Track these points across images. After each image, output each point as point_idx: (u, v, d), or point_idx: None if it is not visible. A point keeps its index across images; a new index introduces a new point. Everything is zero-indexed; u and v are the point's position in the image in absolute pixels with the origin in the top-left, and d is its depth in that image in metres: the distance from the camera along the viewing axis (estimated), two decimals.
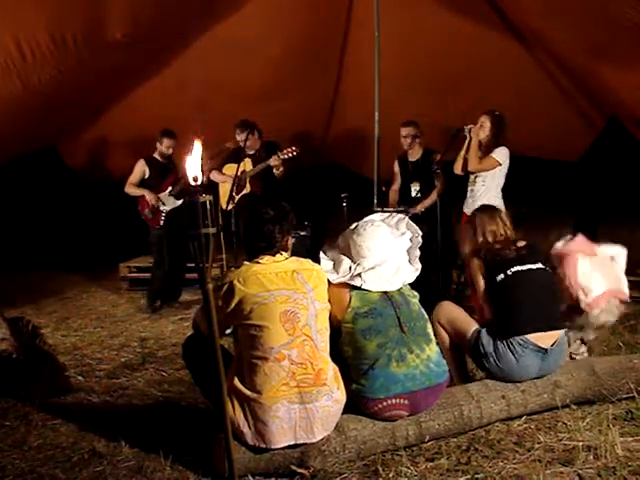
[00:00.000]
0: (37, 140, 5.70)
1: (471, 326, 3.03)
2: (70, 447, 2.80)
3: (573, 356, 3.34)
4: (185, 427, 2.91)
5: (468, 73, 5.73)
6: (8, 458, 2.72)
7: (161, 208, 5.24)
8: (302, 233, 5.05)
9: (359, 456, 2.54)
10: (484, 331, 2.97)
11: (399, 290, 2.73)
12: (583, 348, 3.40)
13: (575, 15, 4.01)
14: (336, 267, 2.80)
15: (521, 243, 3.11)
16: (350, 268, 2.76)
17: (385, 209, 4.71)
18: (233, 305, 2.45)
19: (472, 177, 4.46)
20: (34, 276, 6.64)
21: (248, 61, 5.56)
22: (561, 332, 2.98)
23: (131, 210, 5.36)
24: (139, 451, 2.70)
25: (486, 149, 4.36)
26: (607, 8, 3.68)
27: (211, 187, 5.31)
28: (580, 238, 3.45)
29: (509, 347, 2.87)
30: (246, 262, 2.58)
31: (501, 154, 4.31)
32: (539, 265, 3.04)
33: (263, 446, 2.43)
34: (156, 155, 5.29)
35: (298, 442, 2.45)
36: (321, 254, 2.90)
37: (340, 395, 2.55)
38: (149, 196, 5.19)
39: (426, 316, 2.79)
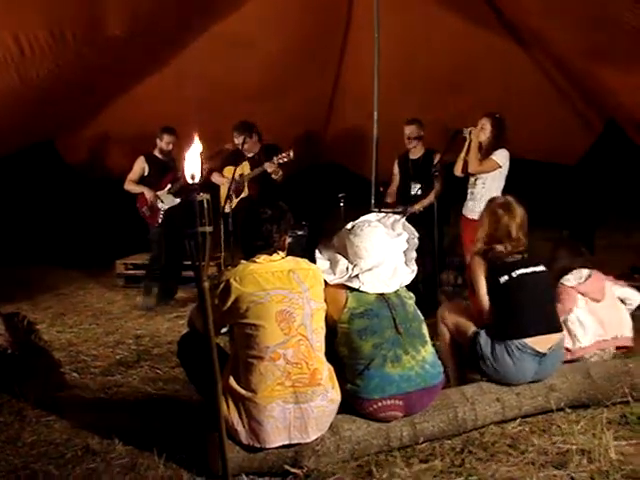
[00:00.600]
0: (35, 134, 5.67)
1: (472, 327, 3.04)
2: (64, 444, 2.80)
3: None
4: (179, 425, 2.90)
5: (467, 74, 5.73)
6: (1, 454, 2.71)
7: (159, 206, 5.23)
8: (299, 233, 5.04)
9: (353, 456, 2.54)
10: (482, 332, 2.97)
11: (395, 291, 2.73)
12: None
13: (575, 15, 4.00)
14: (333, 267, 2.79)
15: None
16: (347, 269, 2.75)
17: (382, 209, 4.70)
18: (229, 304, 2.45)
19: (472, 179, 4.47)
20: (31, 271, 6.63)
21: (247, 59, 5.55)
22: (559, 335, 2.99)
23: (129, 207, 5.36)
24: (133, 448, 2.70)
25: (486, 151, 4.36)
26: (607, 9, 3.68)
27: (210, 187, 5.29)
28: (594, 279, 3.41)
29: (507, 350, 2.87)
30: (243, 261, 2.58)
31: (501, 156, 4.31)
32: (542, 267, 3.04)
33: (257, 445, 2.43)
34: (156, 152, 5.29)
35: (292, 442, 2.45)
36: (317, 253, 2.90)
37: (335, 395, 2.55)
38: (148, 194, 5.19)
39: (422, 317, 2.80)
